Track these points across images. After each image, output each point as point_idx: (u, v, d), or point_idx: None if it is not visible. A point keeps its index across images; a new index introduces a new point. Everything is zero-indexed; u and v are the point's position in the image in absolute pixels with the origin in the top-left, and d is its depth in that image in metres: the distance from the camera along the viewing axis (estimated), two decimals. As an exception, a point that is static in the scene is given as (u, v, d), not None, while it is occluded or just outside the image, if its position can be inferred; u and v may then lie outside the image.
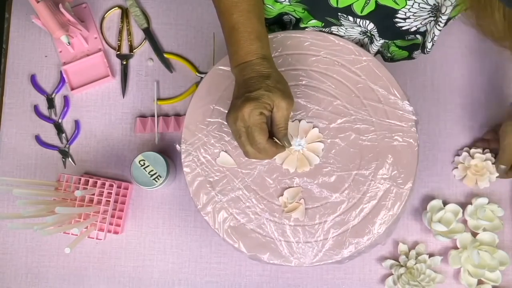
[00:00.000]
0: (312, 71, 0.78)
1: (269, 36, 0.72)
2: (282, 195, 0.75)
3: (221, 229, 0.74)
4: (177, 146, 0.78)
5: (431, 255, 0.88)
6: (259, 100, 0.64)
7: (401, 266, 0.87)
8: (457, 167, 0.91)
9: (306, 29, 0.83)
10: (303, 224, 0.74)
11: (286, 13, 0.85)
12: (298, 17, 0.83)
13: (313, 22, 0.81)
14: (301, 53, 0.79)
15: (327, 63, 0.78)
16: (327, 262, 0.73)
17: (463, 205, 0.88)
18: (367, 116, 0.76)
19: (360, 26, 0.78)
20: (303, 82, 0.78)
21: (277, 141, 0.69)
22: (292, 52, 0.78)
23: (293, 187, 0.75)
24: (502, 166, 0.82)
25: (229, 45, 0.70)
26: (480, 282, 0.87)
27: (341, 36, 0.82)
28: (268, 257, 0.73)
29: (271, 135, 0.69)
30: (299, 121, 0.77)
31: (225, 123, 0.76)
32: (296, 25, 0.86)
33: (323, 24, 0.81)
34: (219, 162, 0.76)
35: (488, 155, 0.90)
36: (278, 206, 0.75)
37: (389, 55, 0.92)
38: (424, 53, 0.77)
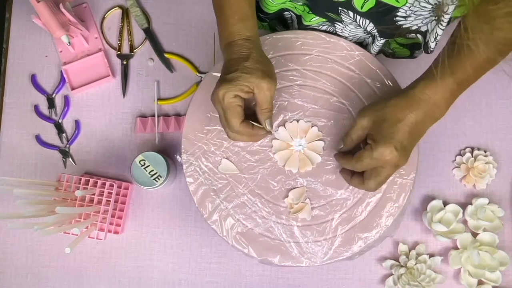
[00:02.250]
0: (306, 70, 0.78)
1: (259, 38, 0.72)
2: (287, 196, 0.75)
3: (229, 236, 0.74)
4: (178, 157, 0.78)
5: (431, 255, 0.88)
6: (233, 82, 0.64)
7: (401, 266, 0.87)
8: (458, 167, 0.91)
9: (310, 27, 0.82)
10: (310, 224, 0.74)
11: (287, 9, 0.85)
12: (298, 14, 0.83)
13: (316, 19, 0.81)
14: (293, 53, 0.79)
15: (320, 61, 0.78)
16: (338, 259, 0.73)
17: (463, 206, 0.88)
18: None
19: (360, 26, 0.78)
20: (298, 82, 0.78)
21: (256, 124, 0.68)
22: (284, 53, 0.78)
23: (298, 187, 0.75)
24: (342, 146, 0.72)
25: (217, 25, 0.70)
26: (480, 283, 0.87)
27: (345, 37, 0.82)
28: (278, 260, 0.73)
29: (255, 117, 0.68)
30: (297, 121, 0.76)
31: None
32: (298, 23, 0.86)
33: (326, 20, 0.81)
34: (221, 169, 0.76)
35: (490, 158, 0.90)
36: (284, 207, 0.75)
37: (390, 51, 0.91)
38: (428, 53, 0.77)
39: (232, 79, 0.64)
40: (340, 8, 0.74)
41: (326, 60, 0.78)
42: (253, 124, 0.68)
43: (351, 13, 0.75)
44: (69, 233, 0.88)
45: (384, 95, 0.76)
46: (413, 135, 0.65)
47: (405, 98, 0.65)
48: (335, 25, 0.81)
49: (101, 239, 0.88)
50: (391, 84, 0.77)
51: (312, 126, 0.77)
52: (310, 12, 0.80)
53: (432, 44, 0.74)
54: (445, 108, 0.66)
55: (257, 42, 0.69)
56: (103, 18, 0.98)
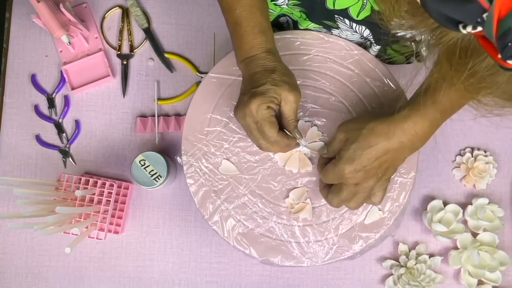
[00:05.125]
0: (305, 70, 0.78)
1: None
2: (287, 196, 0.75)
3: (230, 237, 0.74)
4: (178, 158, 0.78)
5: (431, 255, 0.88)
6: (265, 95, 0.64)
7: (401, 266, 0.87)
8: (458, 167, 0.91)
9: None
10: (311, 224, 0.74)
11: (284, 15, 0.85)
12: (295, 19, 0.83)
13: (312, 25, 0.81)
14: (292, 53, 0.79)
15: (319, 61, 0.78)
16: (339, 259, 0.73)
17: (463, 206, 0.88)
18: (365, 109, 0.76)
19: (356, 32, 0.78)
20: (297, 82, 0.78)
21: (288, 133, 0.69)
22: (283, 53, 0.78)
23: (298, 187, 0.75)
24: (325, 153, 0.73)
25: (233, 40, 0.69)
26: (480, 283, 0.87)
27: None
28: (280, 260, 0.73)
29: (282, 127, 0.69)
30: (297, 121, 0.76)
31: (224, 131, 0.76)
32: (295, 27, 0.86)
33: (322, 27, 0.81)
34: (221, 170, 0.76)
35: (490, 158, 0.90)
36: (285, 208, 0.75)
37: (386, 57, 0.92)
38: (420, 61, 0.77)
39: (263, 92, 0.64)
40: (336, 16, 0.75)
41: (325, 60, 0.78)
42: (287, 133, 0.68)
43: (347, 21, 0.75)
44: (69, 233, 0.88)
45: (382, 95, 0.76)
46: (381, 161, 0.64)
47: (384, 124, 0.64)
48: (332, 31, 0.81)
49: (101, 239, 0.88)
50: (390, 83, 0.77)
51: (312, 126, 0.77)
52: (306, 19, 0.80)
53: (424, 53, 0.74)
54: (426, 138, 0.65)
55: (278, 54, 0.69)
56: (103, 18, 0.98)
